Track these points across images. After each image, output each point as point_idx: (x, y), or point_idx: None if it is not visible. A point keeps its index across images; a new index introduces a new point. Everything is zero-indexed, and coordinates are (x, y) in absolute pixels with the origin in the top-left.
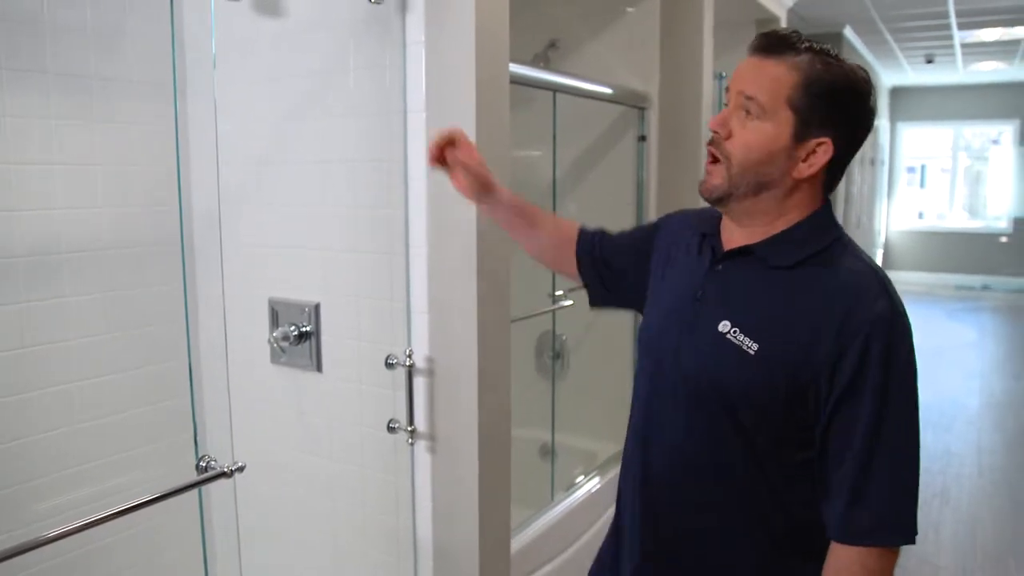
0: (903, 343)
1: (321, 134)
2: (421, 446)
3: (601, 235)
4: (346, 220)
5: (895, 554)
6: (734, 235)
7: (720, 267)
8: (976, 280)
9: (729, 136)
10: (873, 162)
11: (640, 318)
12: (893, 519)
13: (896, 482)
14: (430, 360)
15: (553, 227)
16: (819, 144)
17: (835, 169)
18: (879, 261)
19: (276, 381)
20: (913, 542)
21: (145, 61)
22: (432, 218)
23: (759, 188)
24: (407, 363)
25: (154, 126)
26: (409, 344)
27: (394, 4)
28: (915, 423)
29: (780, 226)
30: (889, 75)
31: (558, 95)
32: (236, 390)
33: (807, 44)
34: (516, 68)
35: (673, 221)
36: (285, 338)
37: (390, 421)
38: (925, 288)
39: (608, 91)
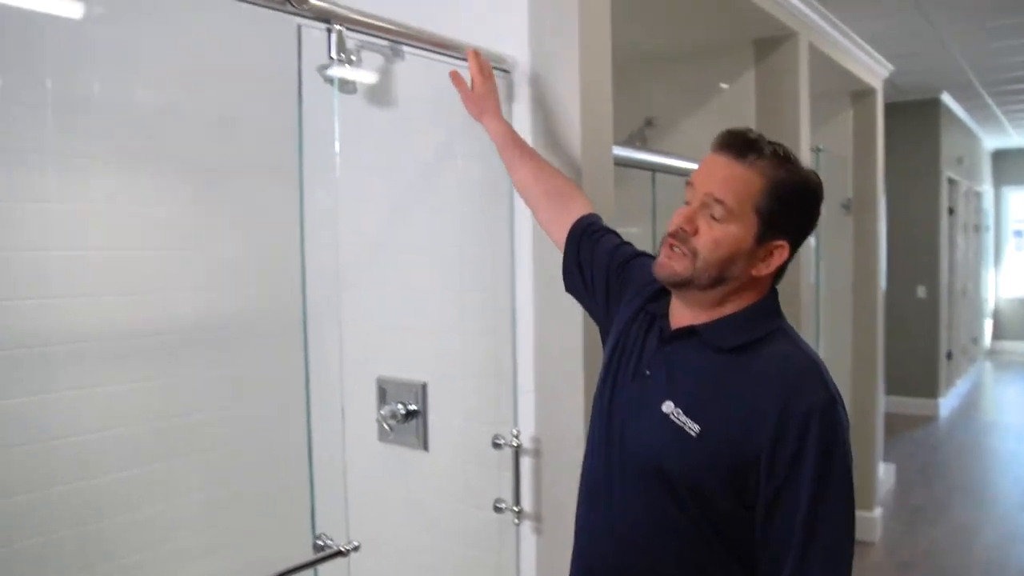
0: (840, 433)
1: (431, 218)
2: (527, 526)
3: (590, 235)
4: (454, 301)
5: None
6: (680, 313)
7: (668, 348)
8: None
9: (696, 232)
10: (977, 228)
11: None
12: None
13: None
14: (536, 440)
15: (536, 172)
16: (777, 247)
17: (784, 266)
18: (987, 331)
19: (383, 459)
20: None
21: (263, 148)
22: (538, 299)
23: (717, 281)
24: (514, 443)
25: (270, 210)
26: (516, 424)
27: (501, 93)
28: (851, 515)
29: (727, 310)
30: (991, 138)
31: (657, 173)
32: (340, 468)
33: (772, 148)
34: (618, 151)
35: (643, 267)
36: (393, 416)
37: (496, 501)
38: None
39: None
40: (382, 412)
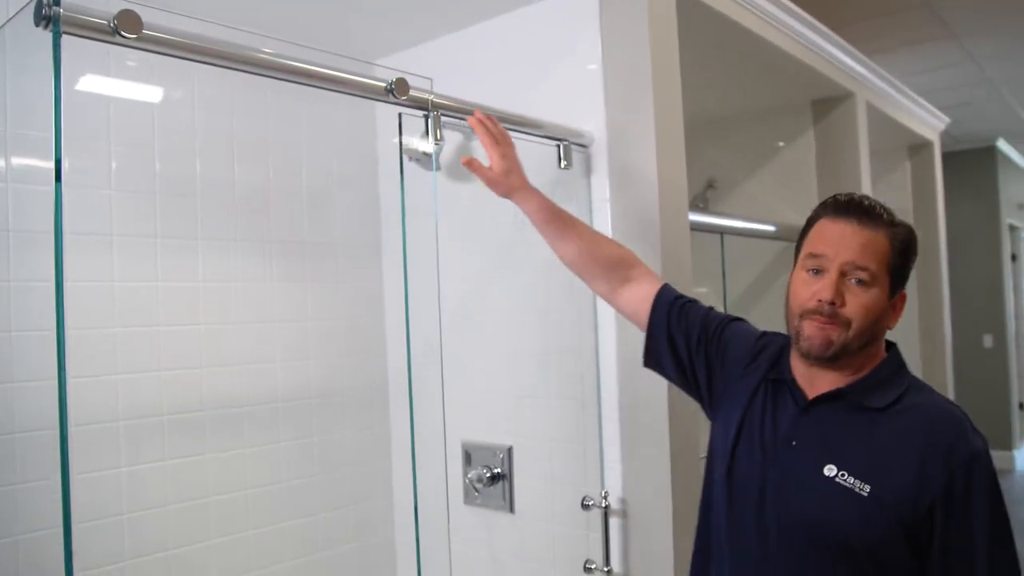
0: (996, 478)
1: (514, 286)
2: None
3: (680, 307)
4: (538, 367)
5: None
6: (817, 380)
7: (812, 412)
8: None
9: (844, 304)
10: None
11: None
12: None
13: None
14: (623, 501)
15: (589, 246)
16: (901, 297)
17: None
18: None
19: (470, 522)
20: None
21: (350, 225)
22: (622, 364)
23: (868, 343)
24: (603, 504)
25: (355, 283)
26: (603, 485)
27: (580, 167)
28: (1017, 558)
29: (866, 369)
30: None
31: (725, 235)
32: (432, 531)
33: (881, 207)
34: (692, 216)
35: (741, 332)
36: (479, 480)
37: (586, 562)
38: None
39: (772, 229)
40: (469, 476)
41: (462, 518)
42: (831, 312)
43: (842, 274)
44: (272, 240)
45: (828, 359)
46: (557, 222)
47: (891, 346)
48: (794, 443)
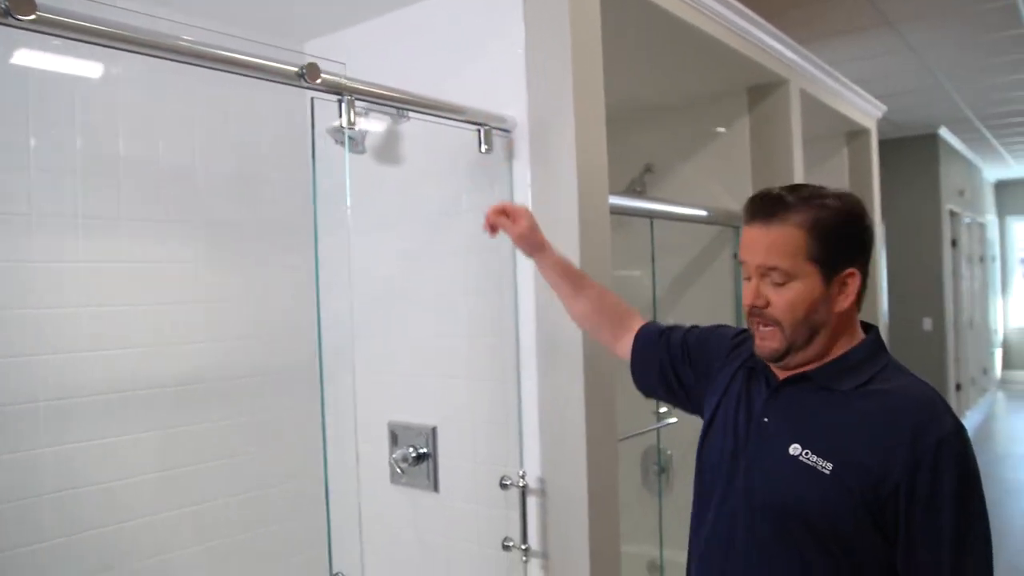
0: (971, 460)
1: (438, 270)
2: (535, 564)
3: (666, 335)
4: (462, 348)
5: None
6: (787, 366)
7: (781, 394)
8: None
9: (767, 305)
10: (983, 259)
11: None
12: None
13: None
14: (542, 480)
15: (597, 302)
16: (848, 276)
17: (863, 287)
18: (998, 362)
19: (396, 501)
20: None
21: (277, 206)
22: (541, 346)
23: (812, 334)
24: (520, 483)
25: (283, 264)
26: (522, 465)
27: (503, 152)
28: (989, 531)
29: (836, 353)
30: (992, 170)
31: (655, 219)
32: (354, 510)
33: (796, 196)
34: (614, 200)
35: (721, 334)
36: (404, 459)
37: (504, 539)
38: None
39: (703, 213)
40: (394, 456)
41: (388, 497)
42: (760, 314)
43: (761, 276)
44: (200, 221)
45: (780, 360)
46: (573, 277)
47: (870, 329)
48: (766, 419)
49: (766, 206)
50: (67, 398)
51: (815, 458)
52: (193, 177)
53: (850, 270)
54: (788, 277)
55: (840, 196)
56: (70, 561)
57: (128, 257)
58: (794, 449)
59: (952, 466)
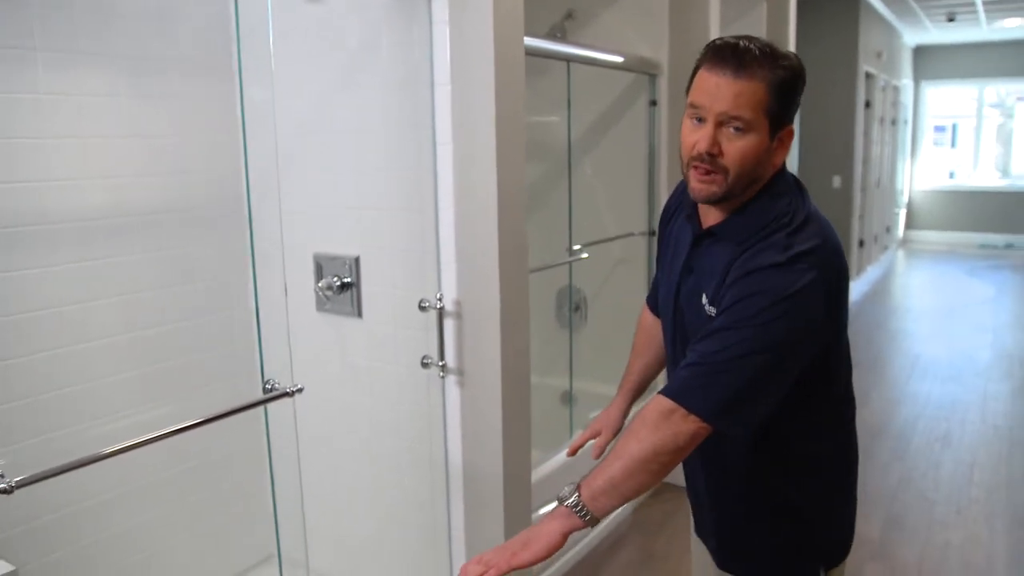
0: (776, 293)
1: (358, 105)
2: (451, 380)
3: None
4: (382, 182)
5: (690, 422)
6: (709, 213)
7: (699, 245)
8: (1000, 239)
9: (720, 153)
10: (895, 122)
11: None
12: (687, 385)
13: (714, 367)
14: (458, 303)
15: (657, 352)
16: (786, 133)
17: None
18: (901, 221)
19: (322, 327)
20: (706, 421)
21: (200, 42)
22: (457, 178)
23: (751, 184)
24: (437, 306)
25: (208, 101)
26: (439, 289)
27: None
28: (757, 347)
29: (742, 200)
30: (911, 34)
31: (572, 64)
32: (282, 336)
33: (758, 50)
34: (531, 41)
35: (671, 203)
36: (329, 288)
37: (423, 358)
38: (948, 247)
39: (619, 59)
40: (319, 285)
41: (314, 324)
42: (711, 161)
43: (719, 124)
44: (119, 54)
45: (714, 204)
46: (644, 372)
47: (777, 176)
48: (692, 269)
49: (736, 56)
50: (12, 227)
51: (710, 308)
52: (114, 8)
53: (789, 128)
54: (749, 128)
55: (790, 56)
56: (29, 378)
57: (44, 89)
58: (704, 298)
59: (751, 285)
